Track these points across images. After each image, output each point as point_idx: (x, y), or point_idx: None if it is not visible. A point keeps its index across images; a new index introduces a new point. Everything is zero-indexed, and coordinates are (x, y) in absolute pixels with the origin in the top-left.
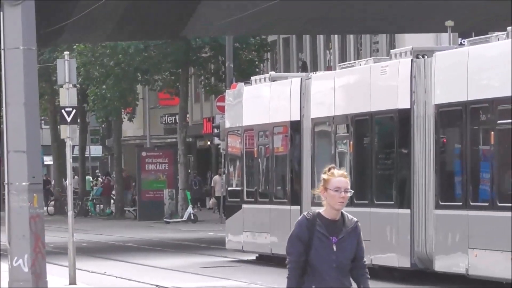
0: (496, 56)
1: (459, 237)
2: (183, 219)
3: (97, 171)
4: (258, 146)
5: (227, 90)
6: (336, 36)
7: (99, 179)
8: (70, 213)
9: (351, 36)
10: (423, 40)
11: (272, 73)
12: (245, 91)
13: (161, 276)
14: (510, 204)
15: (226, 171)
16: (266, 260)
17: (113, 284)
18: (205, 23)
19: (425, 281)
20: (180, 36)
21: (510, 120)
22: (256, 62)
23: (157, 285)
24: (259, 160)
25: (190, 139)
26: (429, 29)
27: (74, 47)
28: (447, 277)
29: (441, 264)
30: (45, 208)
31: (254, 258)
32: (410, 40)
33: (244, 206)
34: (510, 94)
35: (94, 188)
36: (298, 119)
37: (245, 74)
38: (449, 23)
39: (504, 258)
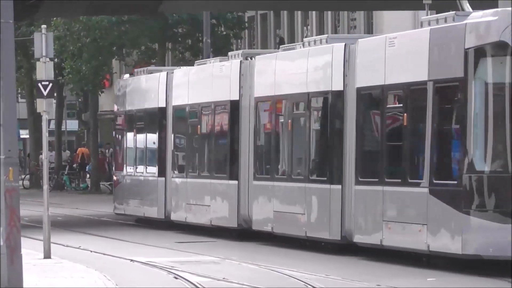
0: (296, 61)
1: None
2: None
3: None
4: (135, 127)
5: (117, 80)
6: (313, 12)
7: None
8: (45, 187)
9: (329, 12)
10: (401, 17)
11: (151, 67)
12: (129, 82)
13: (135, 250)
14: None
15: (114, 148)
16: (142, 223)
17: (88, 258)
18: None
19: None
20: (158, 12)
21: (304, 111)
22: (232, 39)
23: (131, 260)
24: (135, 138)
25: None
26: (406, 7)
27: (52, 21)
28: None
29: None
30: (20, 182)
31: (134, 222)
32: (388, 18)
33: (126, 177)
34: (303, 91)
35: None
36: (164, 106)
37: (221, 50)
38: (427, 1)
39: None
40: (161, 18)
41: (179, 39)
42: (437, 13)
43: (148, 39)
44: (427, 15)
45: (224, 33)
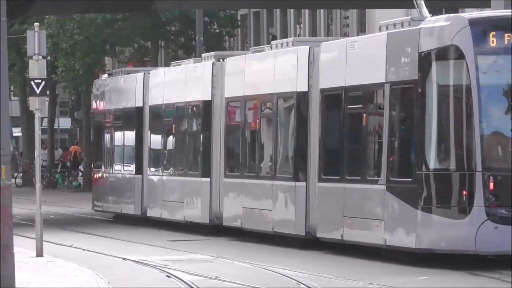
0: (264, 63)
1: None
2: None
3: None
4: (113, 125)
5: (95, 80)
6: (306, 10)
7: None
8: (38, 185)
9: (322, 11)
10: (394, 16)
11: (129, 68)
12: (108, 82)
13: (128, 249)
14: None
15: (93, 144)
16: (120, 218)
17: (80, 257)
18: None
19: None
20: (151, 10)
21: (271, 111)
22: (225, 37)
23: (124, 258)
24: (113, 136)
25: None
26: (398, 5)
27: (45, 19)
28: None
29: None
30: (13, 180)
31: (112, 217)
32: (380, 16)
33: (104, 174)
34: (270, 92)
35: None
36: (141, 105)
37: (214, 48)
38: None
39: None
40: (154, 16)
41: (172, 37)
42: (429, 13)
43: (141, 37)
44: (418, 14)
45: (217, 31)
